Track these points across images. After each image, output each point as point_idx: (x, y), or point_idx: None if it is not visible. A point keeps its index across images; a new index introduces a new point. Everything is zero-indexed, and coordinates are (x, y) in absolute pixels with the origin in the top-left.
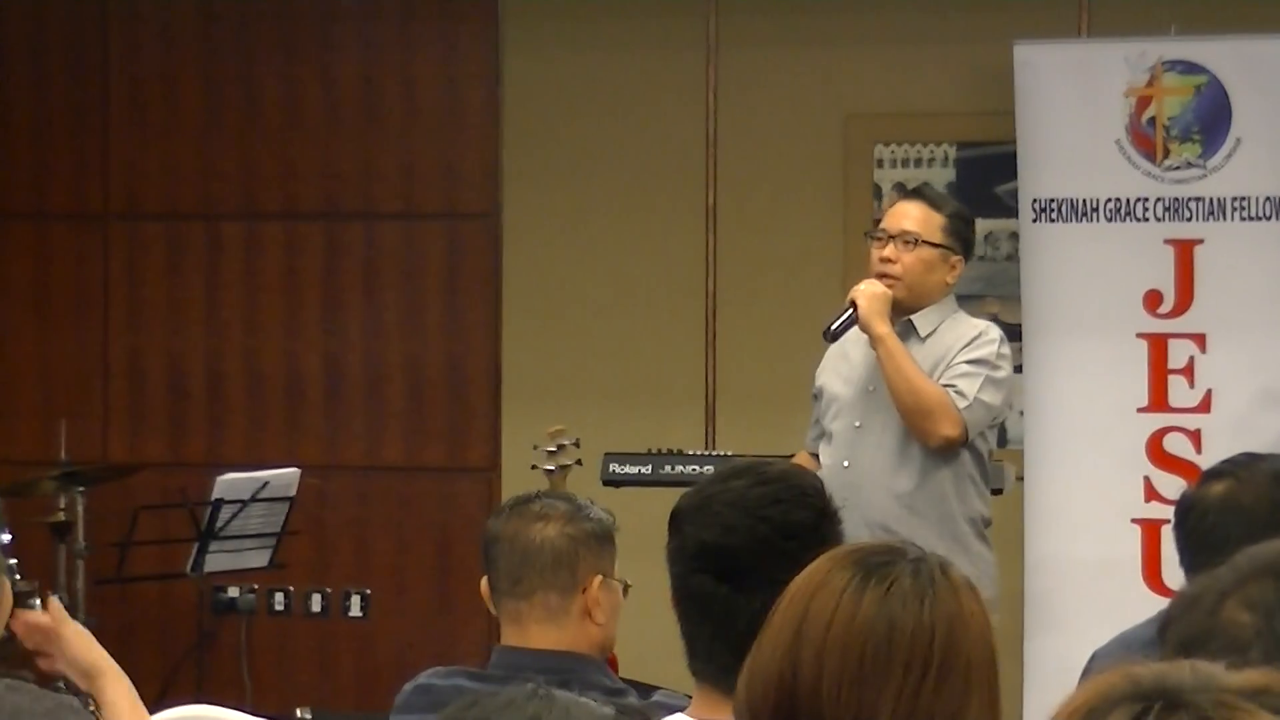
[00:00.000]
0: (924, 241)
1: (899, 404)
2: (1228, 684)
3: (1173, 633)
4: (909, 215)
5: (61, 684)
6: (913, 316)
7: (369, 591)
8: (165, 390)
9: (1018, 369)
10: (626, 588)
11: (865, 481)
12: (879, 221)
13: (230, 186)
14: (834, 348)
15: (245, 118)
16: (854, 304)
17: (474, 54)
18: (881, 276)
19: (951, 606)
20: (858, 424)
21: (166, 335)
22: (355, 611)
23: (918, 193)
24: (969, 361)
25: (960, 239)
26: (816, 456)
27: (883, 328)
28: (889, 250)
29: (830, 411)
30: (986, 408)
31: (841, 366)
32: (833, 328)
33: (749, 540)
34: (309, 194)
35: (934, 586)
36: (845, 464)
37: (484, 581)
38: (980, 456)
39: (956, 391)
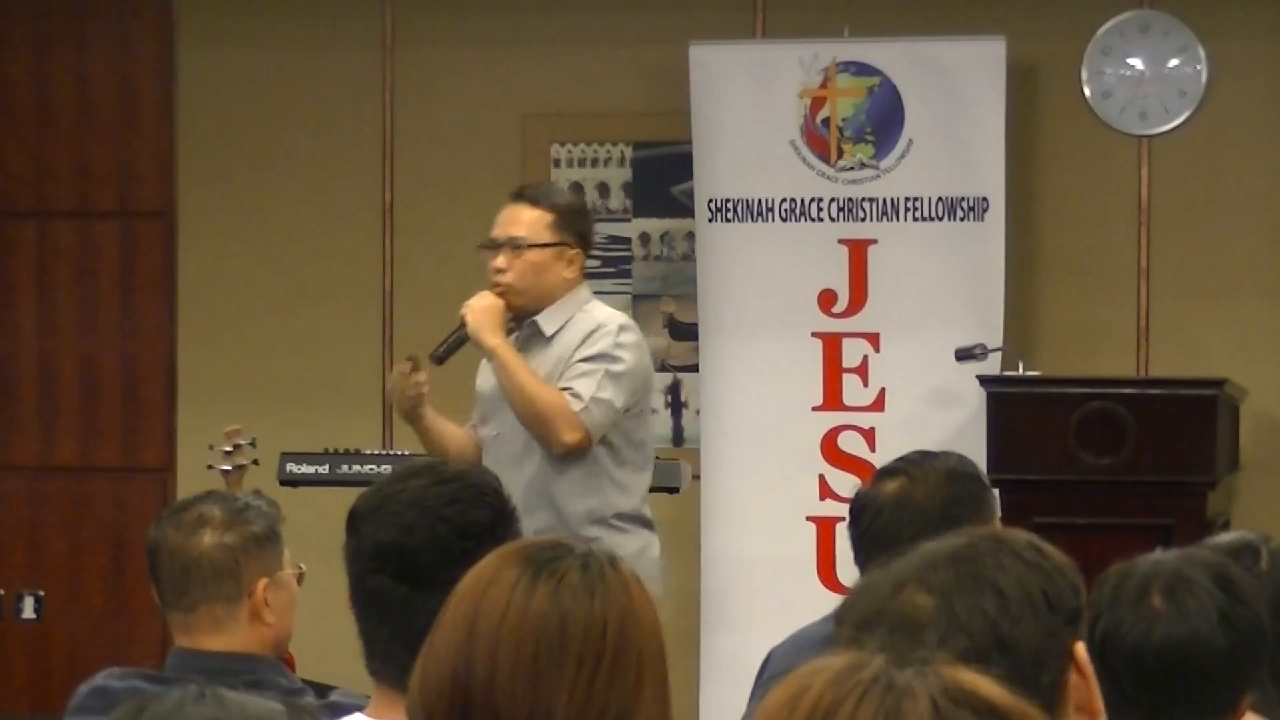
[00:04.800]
0: (531, 244)
1: (518, 415)
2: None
3: (848, 616)
4: (514, 220)
5: None
6: (537, 318)
7: (43, 593)
8: None
9: (693, 368)
10: (300, 575)
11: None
12: None
13: None
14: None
15: None
16: (463, 320)
17: (148, 50)
18: (495, 287)
19: (622, 599)
20: (495, 433)
21: None
22: (29, 613)
23: (521, 195)
24: (585, 359)
25: (573, 232)
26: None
27: (493, 339)
28: (499, 260)
29: (476, 419)
30: (606, 405)
31: (487, 377)
32: (439, 350)
33: (427, 540)
34: None
35: (604, 580)
36: None
37: (154, 588)
38: (617, 451)
39: (573, 394)
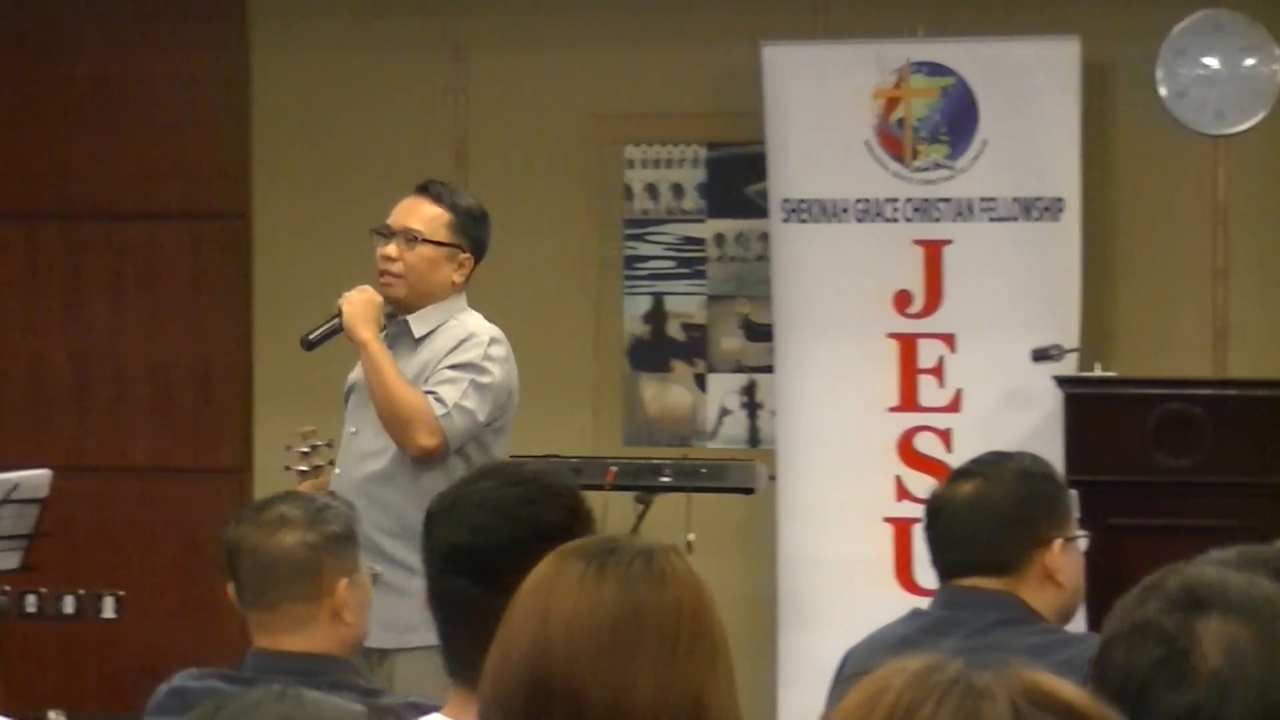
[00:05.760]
0: (426, 240)
1: (379, 412)
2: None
3: (1153, 591)
4: (413, 212)
5: None
6: (409, 317)
7: (122, 593)
8: None
9: (768, 369)
10: (376, 577)
11: (351, 489)
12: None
13: None
14: None
15: None
16: (340, 310)
17: (221, 52)
18: (382, 275)
19: (690, 584)
20: (354, 430)
21: None
22: (109, 613)
23: (425, 189)
24: (453, 366)
25: (469, 236)
26: None
27: (365, 334)
28: (390, 248)
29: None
30: (470, 414)
31: (356, 372)
32: (310, 336)
33: (500, 541)
34: (48, 194)
35: (671, 567)
36: (338, 471)
37: (230, 587)
38: (473, 466)
39: (436, 399)
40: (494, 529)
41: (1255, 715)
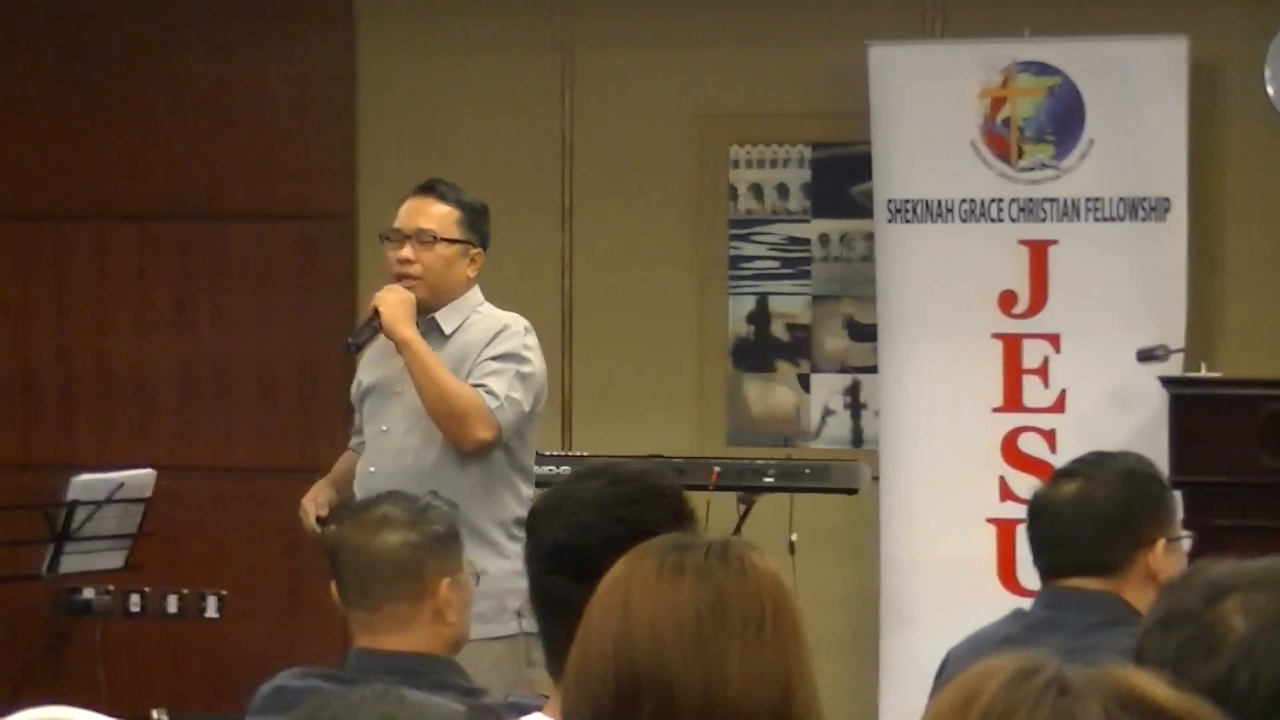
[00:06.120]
0: (441, 239)
1: (430, 410)
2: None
3: (1159, 601)
4: (424, 213)
5: None
6: (436, 314)
7: (225, 593)
8: (16, 391)
9: (872, 369)
10: (479, 576)
11: (386, 487)
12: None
13: (80, 186)
14: (373, 350)
15: (94, 117)
16: (376, 311)
17: (328, 53)
18: (401, 278)
19: (767, 573)
20: (384, 428)
21: (15, 336)
22: (211, 613)
23: (429, 188)
24: (495, 358)
25: (477, 231)
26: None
27: (408, 332)
28: (406, 250)
29: (363, 414)
30: (517, 405)
31: (374, 371)
32: (352, 339)
33: (603, 540)
34: (159, 194)
35: (748, 557)
36: (371, 469)
37: (333, 587)
38: (514, 455)
39: (488, 391)
40: (596, 528)
41: None
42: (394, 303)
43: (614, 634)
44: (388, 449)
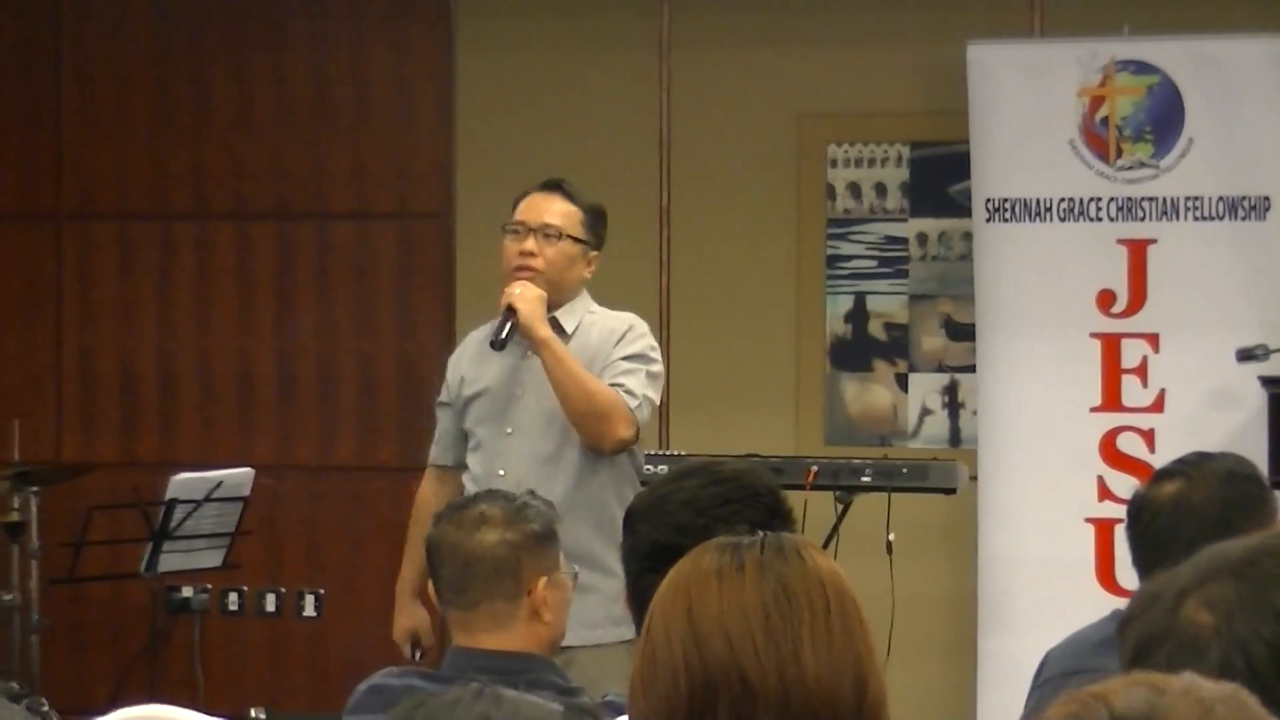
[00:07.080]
0: (566, 236)
1: (571, 408)
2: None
3: (1130, 631)
4: (550, 209)
5: None
6: (556, 313)
7: (323, 591)
8: (117, 390)
9: (970, 369)
10: (575, 576)
11: (521, 489)
12: (520, 216)
13: (182, 186)
14: (470, 350)
15: (196, 117)
16: (512, 309)
17: (427, 53)
18: (521, 270)
19: (823, 560)
20: (509, 430)
21: (118, 335)
22: (309, 611)
23: (557, 186)
24: (627, 358)
25: (596, 234)
26: (447, 469)
27: (545, 331)
28: (529, 244)
29: (472, 417)
30: (651, 404)
31: (483, 371)
32: (501, 337)
33: (701, 540)
34: (260, 194)
35: (805, 549)
36: (501, 473)
37: (430, 585)
38: (635, 455)
39: (626, 391)
40: (694, 528)
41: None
42: (531, 299)
43: (680, 637)
44: (519, 452)
